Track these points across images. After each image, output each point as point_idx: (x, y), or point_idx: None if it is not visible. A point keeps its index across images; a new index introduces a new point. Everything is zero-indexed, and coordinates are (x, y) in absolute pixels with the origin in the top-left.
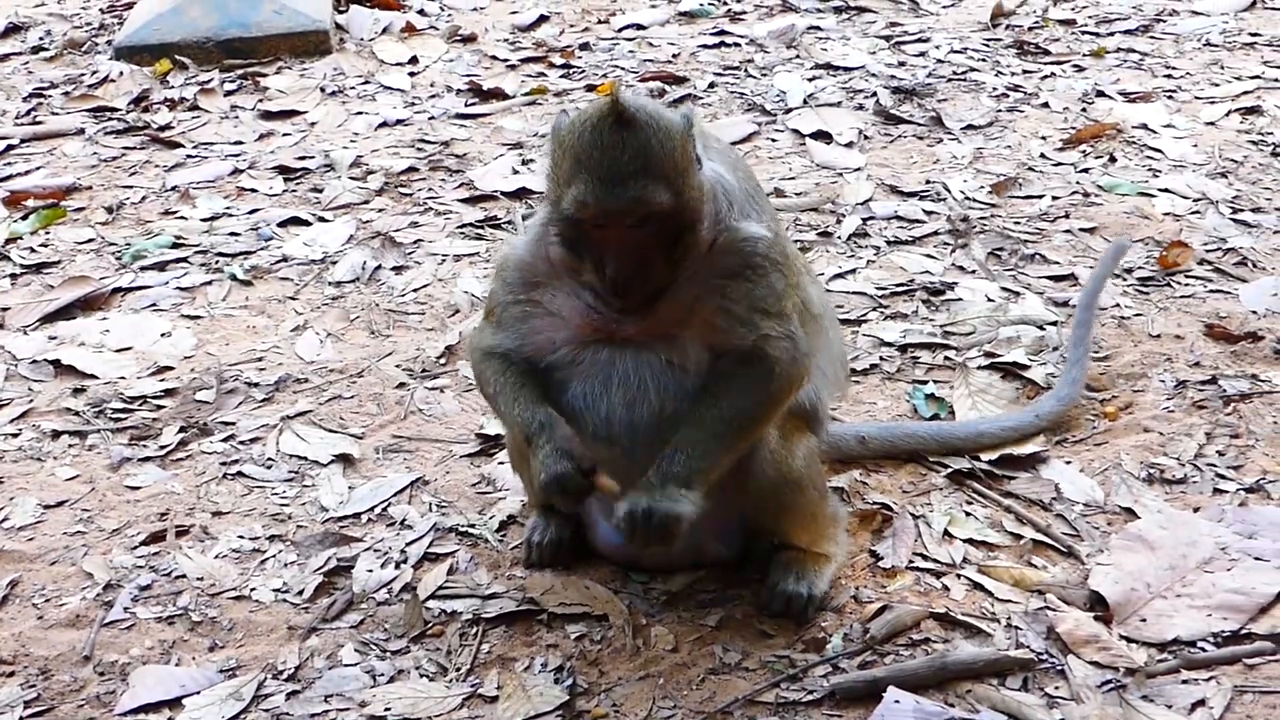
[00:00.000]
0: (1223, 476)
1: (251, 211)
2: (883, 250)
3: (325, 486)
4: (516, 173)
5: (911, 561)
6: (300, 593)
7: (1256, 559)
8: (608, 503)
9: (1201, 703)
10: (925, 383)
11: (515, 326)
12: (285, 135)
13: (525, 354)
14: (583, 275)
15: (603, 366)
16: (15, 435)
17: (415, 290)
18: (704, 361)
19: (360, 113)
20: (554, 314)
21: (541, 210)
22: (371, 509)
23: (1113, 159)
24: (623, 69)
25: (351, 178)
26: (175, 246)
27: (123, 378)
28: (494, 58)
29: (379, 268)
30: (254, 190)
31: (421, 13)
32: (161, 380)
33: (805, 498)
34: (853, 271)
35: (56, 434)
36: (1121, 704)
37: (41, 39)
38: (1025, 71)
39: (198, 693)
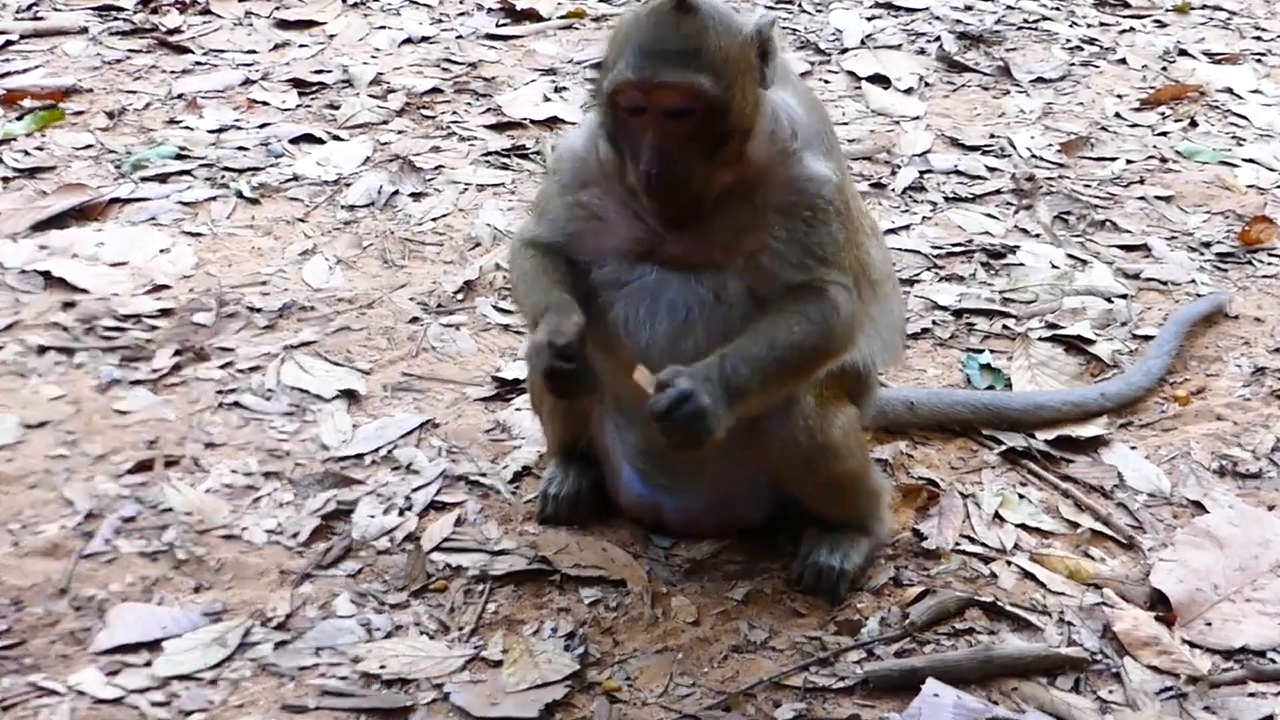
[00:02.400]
0: None
1: (262, 126)
2: (940, 207)
3: (327, 423)
4: (548, 100)
5: (958, 544)
6: (295, 535)
7: None
8: (632, 448)
9: (1270, 718)
10: (981, 351)
11: (562, 223)
12: (302, 46)
13: (568, 252)
14: (626, 177)
15: (649, 290)
16: None
17: (434, 220)
18: (747, 302)
19: (383, 27)
20: (602, 219)
21: (592, 106)
22: (376, 450)
23: (1193, 123)
24: None
25: (370, 96)
26: (179, 158)
27: (116, 294)
28: None
29: (396, 193)
30: (265, 103)
31: None
32: (157, 299)
33: (842, 467)
34: (907, 227)
35: (43, 349)
36: (1181, 714)
37: None
38: (1103, 24)
39: (179, 635)
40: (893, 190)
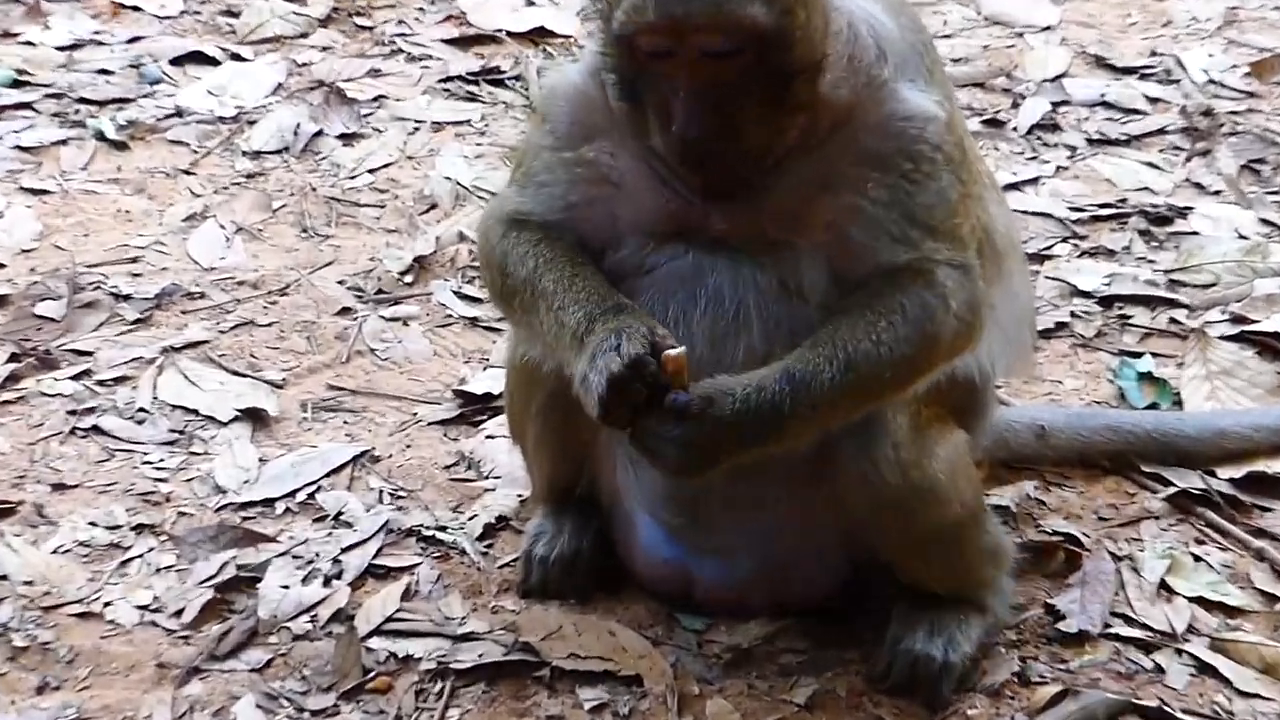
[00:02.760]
0: None
1: (132, 40)
2: (1080, 153)
3: (224, 457)
4: (532, 3)
5: (1109, 625)
6: (178, 614)
7: None
8: (654, 493)
9: None
10: (1139, 355)
11: (560, 192)
12: None
13: (569, 232)
14: (649, 135)
15: (683, 278)
16: None
17: (372, 172)
18: (829, 290)
19: None
20: (616, 184)
21: (594, 36)
22: (291, 495)
23: None
24: None
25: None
26: (17, 85)
27: None
28: None
29: (319, 134)
30: (136, 9)
31: None
32: None
33: (946, 517)
34: (1033, 182)
35: None
36: None
37: None
38: None
39: None
40: (1014, 130)
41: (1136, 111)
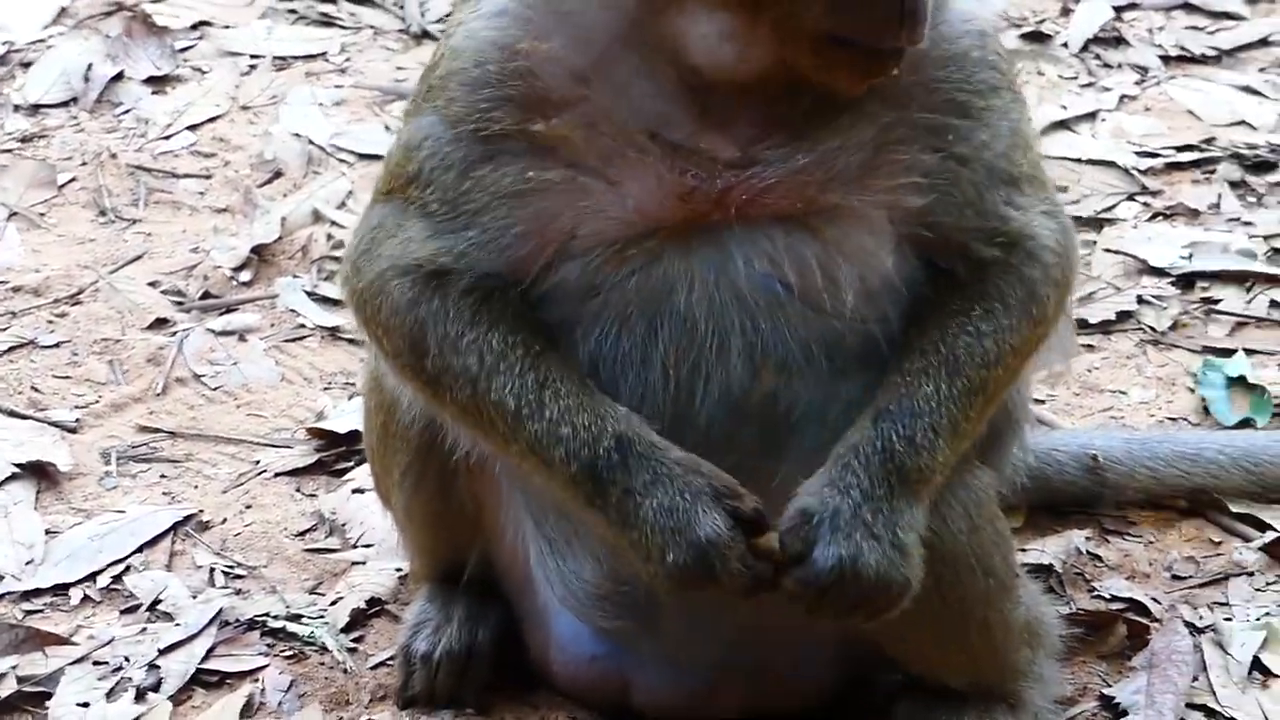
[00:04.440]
0: None
1: None
2: (1153, 75)
3: None
4: None
5: None
6: None
7: None
8: (580, 585)
9: None
10: (1229, 353)
11: (500, 221)
12: None
13: (512, 273)
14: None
15: (644, 300)
16: None
17: (193, 129)
18: (901, 274)
19: None
20: (596, 171)
21: None
22: (91, 578)
23: None
24: None
25: None
26: None
27: None
28: None
29: (119, 79)
30: None
31: None
32: None
33: (965, 590)
34: (1089, 117)
35: None
36: None
37: None
38: None
39: None
40: (1063, 46)
41: (1228, 16)
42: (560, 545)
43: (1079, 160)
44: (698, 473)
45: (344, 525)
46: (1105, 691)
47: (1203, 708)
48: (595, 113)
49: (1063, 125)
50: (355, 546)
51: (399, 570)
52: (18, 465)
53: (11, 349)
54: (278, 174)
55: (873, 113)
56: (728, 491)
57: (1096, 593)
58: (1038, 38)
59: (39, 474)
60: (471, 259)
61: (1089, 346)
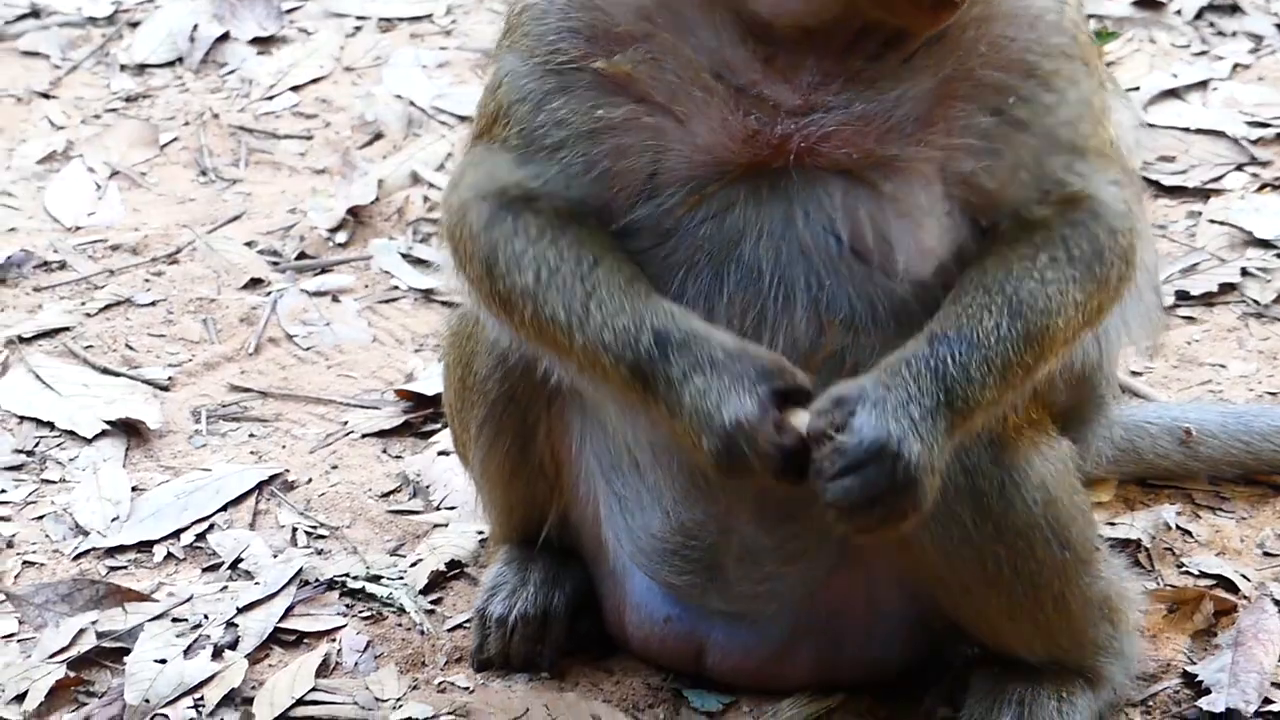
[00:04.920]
0: None
1: None
2: (1269, 44)
3: (86, 485)
4: None
5: (1269, 702)
6: (19, 698)
7: None
8: (652, 541)
9: None
10: None
11: (579, 153)
12: None
13: (593, 203)
14: None
15: (711, 248)
16: None
17: (296, 89)
18: (940, 226)
19: None
20: (664, 105)
21: None
22: (174, 535)
23: None
24: None
25: None
26: None
27: None
28: None
29: (224, 39)
30: None
31: None
32: None
33: (1041, 562)
34: (1200, 86)
35: None
36: None
37: None
38: None
39: None
40: (1176, 13)
41: None
42: (630, 501)
43: (1187, 130)
44: (743, 356)
45: (428, 487)
46: (1188, 669)
47: None
48: (660, 50)
49: (1173, 94)
50: (438, 509)
51: (480, 533)
52: (108, 422)
53: (108, 306)
54: (378, 135)
55: (935, 66)
56: (774, 371)
57: (1185, 568)
58: (1150, 5)
59: (129, 431)
60: (550, 187)
61: (1189, 319)
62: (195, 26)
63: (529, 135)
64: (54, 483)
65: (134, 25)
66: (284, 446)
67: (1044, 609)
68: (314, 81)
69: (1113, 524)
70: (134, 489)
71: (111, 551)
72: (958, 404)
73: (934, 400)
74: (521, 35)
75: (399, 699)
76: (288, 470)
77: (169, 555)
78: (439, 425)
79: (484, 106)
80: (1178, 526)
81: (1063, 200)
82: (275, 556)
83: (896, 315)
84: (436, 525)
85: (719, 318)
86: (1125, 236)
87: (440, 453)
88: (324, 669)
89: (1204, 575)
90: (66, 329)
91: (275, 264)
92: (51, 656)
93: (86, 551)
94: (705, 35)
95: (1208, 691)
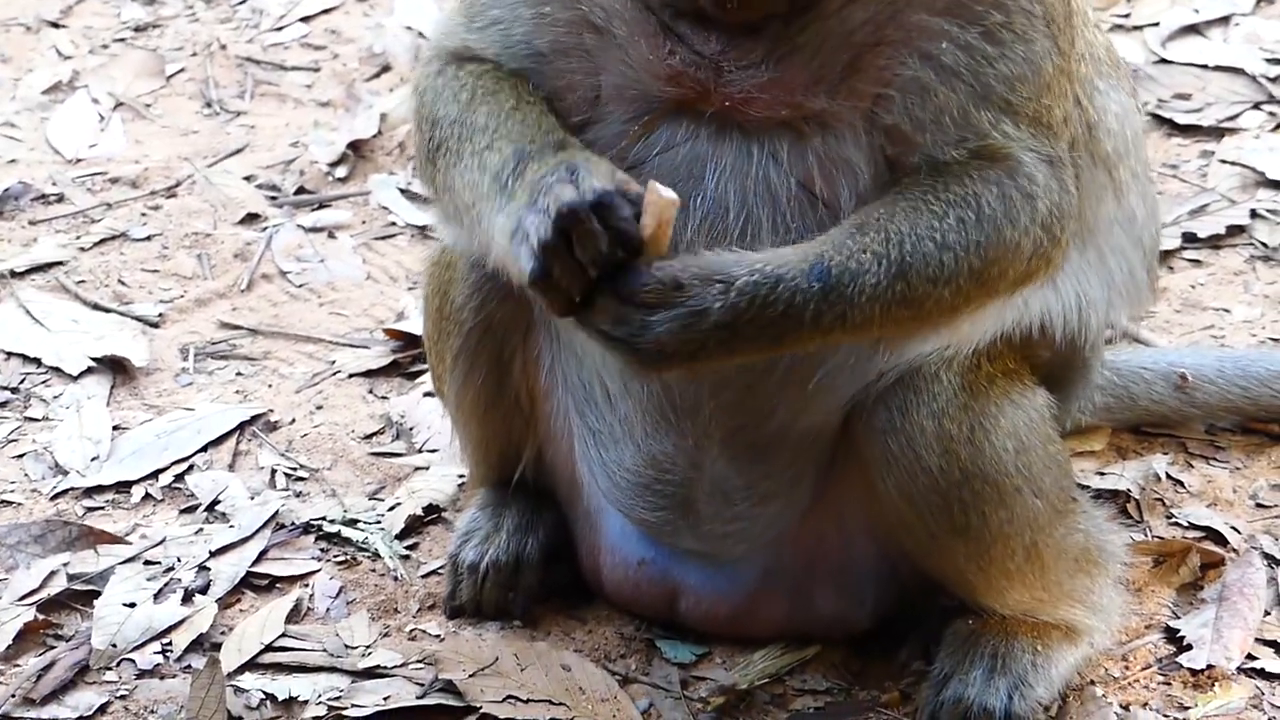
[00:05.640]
0: None
1: None
2: None
3: (68, 424)
4: None
5: (1252, 658)
6: None
7: None
8: (627, 477)
9: None
10: None
11: (518, 30)
12: None
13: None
14: None
15: (676, 177)
16: None
17: (306, 20)
18: (865, 191)
19: None
20: (597, 26)
21: None
22: (153, 476)
23: None
24: None
25: None
26: None
27: None
28: None
29: None
30: None
31: None
32: None
33: (1013, 512)
34: (1223, 21)
35: None
36: None
37: None
38: None
39: None
40: None
41: None
42: (604, 436)
43: (1205, 66)
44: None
45: (411, 429)
46: (1170, 624)
47: (1274, 644)
48: None
49: (1193, 30)
50: (420, 451)
51: (460, 477)
52: (95, 359)
53: (102, 241)
54: (385, 68)
55: (864, 11)
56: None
57: (1174, 519)
58: None
59: (115, 368)
60: (493, 50)
61: (1195, 261)
62: None
63: (479, 6)
64: (36, 420)
65: None
66: (270, 385)
67: (1014, 558)
68: (325, 12)
69: (1102, 474)
70: (115, 428)
71: (89, 492)
72: (800, 323)
73: (784, 305)
74: None
75: (368, 646)
76: (271, 410)
77: (146, 496)
78: (425, 366)
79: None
80: (1169, 476)
81: (979, 152)
82: (252, 499)
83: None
84: (418, 468)
85: (690, 240)
86: (1047, 207)
87: (426, 394)
88: (295, 614)
89: (1193, 527)
90: (60, 263)
91: (273, 199)
92: (21, 599)
93: (64, 491)
94: None
95: (1189, 648)
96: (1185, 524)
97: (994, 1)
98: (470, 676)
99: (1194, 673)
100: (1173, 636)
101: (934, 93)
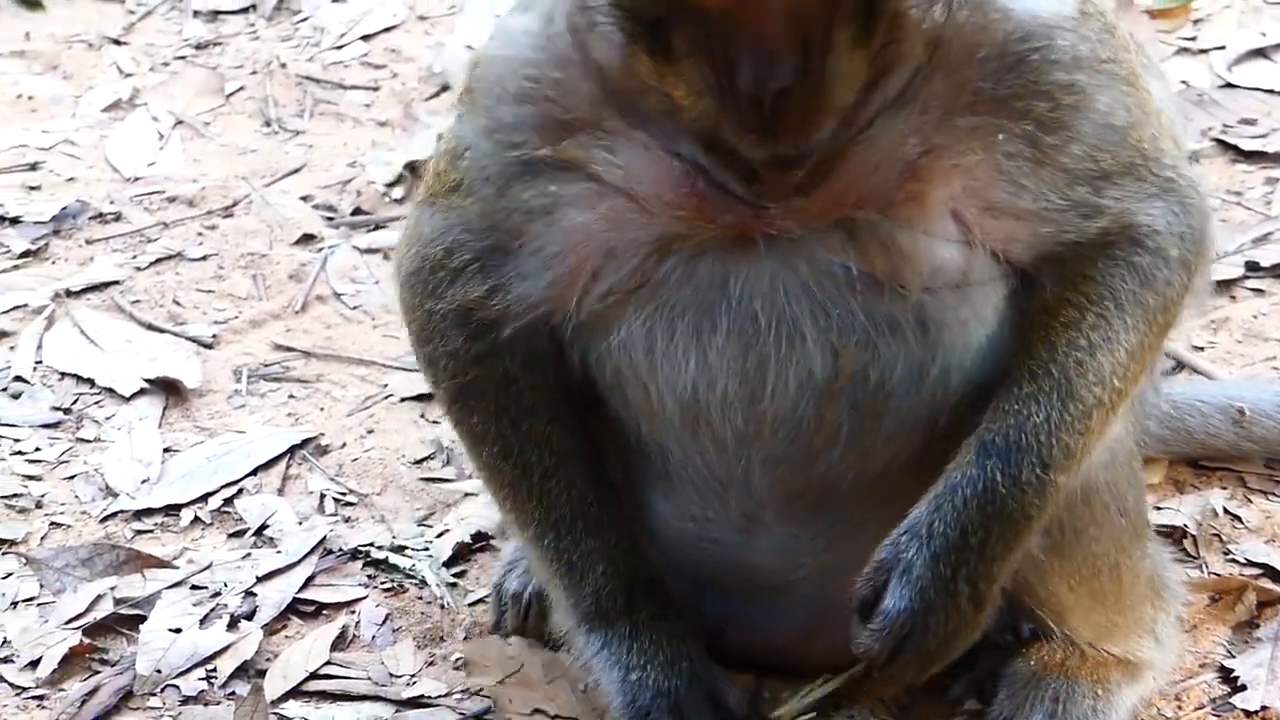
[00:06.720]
0: None
1: None
2: None
3: (120, 445)
4: None
5: None
6: (33, 665)
7: None
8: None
9: None
10: None
11: (522, 232)
12: None
13: (551, 300)
14: (675, 90)
15: (697, 289)
16: None
17: (367, 39)
18: (965, 256)
19: None
20: (619, 188)
21: None
22: (203, 499)
23: None
24: None
25: None
26: None
27: None
28: None
29: None
30: None
31: None
32: None
33: (1105, 530)
34: None
35: None
36: None
37: None
38: None
39: None
40: None
41: None
42: (652, 479)
43: (1272, 91)
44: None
45: (461, 455)
46: (1225, 663)
47: None
48: (613, 136)
49: (1259, 54)
50: (470, 477)
51: None
52: (148, 380)
53: (158, 260)
54: (444, 88)
55: (903, 124)
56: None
57: (1231, 556)
58: None
59: (168, 390)
60: (515, 295)
61: (1258, 290)
62: None
63: (492, 218)
64: (89, 441)
65: None
66: (322, 409)
67: (1100, 578)
68: (386, 30)
69: (1159, 508)
70: (166, 450)
71: (139, 515)
72: (1018, 516)
73: (983, 534)
74: (482, 108)
75: (413, 675)
76: (322, 434)
77: (196, 519)
78: None
79: (444, 170)
80: (1226, 511)
81: (1096, 239)
82: (300, 524)
83: (915, 321)
84: (467, 494)
85: (714, 366)
86: (1176, 247)
87: None
88: (340, 642)
89: (1250, 564)
90: (115, 283)
91: (330, 219)
92: (68, 622)
93: (114, 514)
94: (659, 125)
95: (1243, 688)
96: (1243, 560)
97: (1034, 90)
98: (513, 701)
99: (1248, 714)
100: (1227, 676)
101: (1021, 176)
